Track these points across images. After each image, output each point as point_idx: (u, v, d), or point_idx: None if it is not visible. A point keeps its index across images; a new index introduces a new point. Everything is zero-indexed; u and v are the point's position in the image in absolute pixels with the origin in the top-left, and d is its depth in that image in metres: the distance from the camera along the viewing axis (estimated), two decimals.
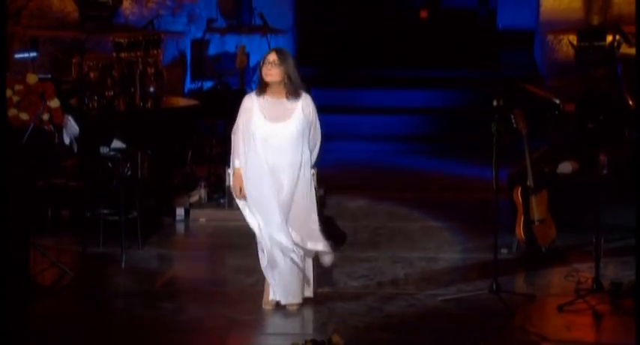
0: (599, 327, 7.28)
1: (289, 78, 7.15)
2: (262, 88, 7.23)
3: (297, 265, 7.29)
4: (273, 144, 7.19)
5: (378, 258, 8.69)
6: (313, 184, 7.42)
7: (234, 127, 7.31)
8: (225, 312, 7.38)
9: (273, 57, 7.18)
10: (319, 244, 7.34)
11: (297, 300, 7.38)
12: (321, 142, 7.39)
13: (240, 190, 7.26)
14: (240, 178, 7.26)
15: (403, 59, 14.27)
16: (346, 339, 6.75)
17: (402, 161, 12.14)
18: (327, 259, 7.49)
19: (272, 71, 7.16)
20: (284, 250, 7.23)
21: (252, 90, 7.57)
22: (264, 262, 7.34)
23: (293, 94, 7.20)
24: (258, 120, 7.19)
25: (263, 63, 7.22)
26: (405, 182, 11.27)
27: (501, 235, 8.09)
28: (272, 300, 7.40)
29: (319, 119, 7.35)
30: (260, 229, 7.27)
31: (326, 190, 10.15)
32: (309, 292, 7.47)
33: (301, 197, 7.27)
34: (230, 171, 7.53)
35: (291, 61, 7.19)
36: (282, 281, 7.32)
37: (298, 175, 7.24)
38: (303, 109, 7.21)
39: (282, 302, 7.38)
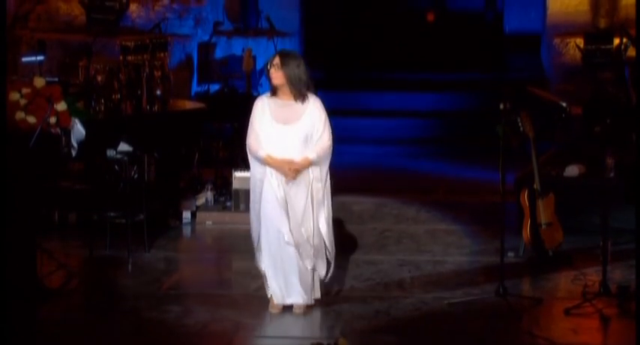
0: (607, 330, 7.26)
1: (290, 81, 7.18)
2: (272, 90, 7.31)
3: (305, 266, 7.29)
4: (278, 146, 7.21)
5: (385, 261, 8.68)
6: (327, 184, 7.40)
7: (249, 129, 7.31)
8: (231, 315, 7.38)
9: (276, 60, 7.23)
10: (321, 253, 7.34)
11: (305, 301, 7.38)
12: (332, 147, 7.36)
13: (289, 168, 7.20)
14: (278, 160, 7.20)
15: (409, 62, 14.24)
16: (353, 342, 6.74)
17: (409, 164, 12.12)
18: (323, 272, 7.46)
19: (276, 74, 7.22)
20: (290, 252, 7.24)
21: (258, 93, 7.59)
22: (264, 264, 7.36)
23: (298, 96, 7.22)
24: (267, 121, 7.22)
25: (270, 65, 7.27)
26: (412, 185, 11.24)
27: (508, 239, 8.07)
28: (278, 304, 7.40)
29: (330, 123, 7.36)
30: (266, 231, 7.28)
31: (332, 192, 10.13)
32: (317, 295, 7.46)
33: (304, 198, 7.27)
34: (256, 170, 7.34)
35: (294, 64, 7.21)
36: (289, 281, 7.31)
37: (302, 177, 7.25)
38: (311, 112, 7.24)
39: (290, 302, 7.37)
